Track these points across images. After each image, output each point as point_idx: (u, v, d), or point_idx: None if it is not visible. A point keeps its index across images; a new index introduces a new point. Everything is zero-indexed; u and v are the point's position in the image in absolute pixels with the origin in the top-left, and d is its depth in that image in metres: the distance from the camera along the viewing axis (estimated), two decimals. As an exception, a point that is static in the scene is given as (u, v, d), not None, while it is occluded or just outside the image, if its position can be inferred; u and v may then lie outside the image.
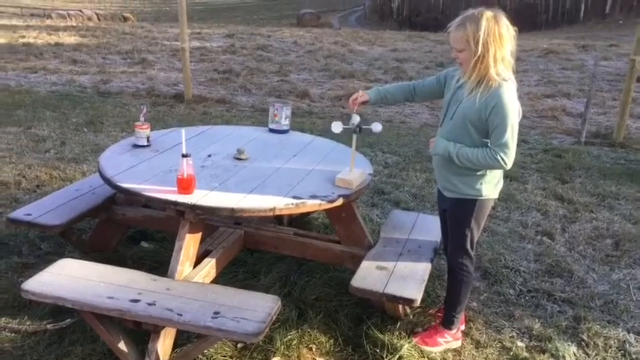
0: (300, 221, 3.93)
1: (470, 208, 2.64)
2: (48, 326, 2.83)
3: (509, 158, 2.44)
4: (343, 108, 8.07)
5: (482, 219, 2.71)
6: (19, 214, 3.02)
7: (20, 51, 11.70)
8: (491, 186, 2.63)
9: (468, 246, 2.73)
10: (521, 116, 2.45)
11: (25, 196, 4.40)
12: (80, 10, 19.83)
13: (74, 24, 17.66)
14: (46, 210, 3.06)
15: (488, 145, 2.48)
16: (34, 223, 2.96)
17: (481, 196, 2.62)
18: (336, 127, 2.80)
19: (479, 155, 2.47)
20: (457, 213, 2.71)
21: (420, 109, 8.21)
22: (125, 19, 21.40)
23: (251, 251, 3.49)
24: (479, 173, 2.58)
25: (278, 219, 3.66)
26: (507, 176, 5.34)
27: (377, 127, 2.81)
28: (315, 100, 8.56)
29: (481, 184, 2.60)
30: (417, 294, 2.55)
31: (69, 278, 2.45)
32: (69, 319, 2.85)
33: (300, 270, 3.44)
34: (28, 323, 2.87)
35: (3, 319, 2.89)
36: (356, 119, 2.80)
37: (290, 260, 3.46)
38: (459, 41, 2.42)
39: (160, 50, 12.73)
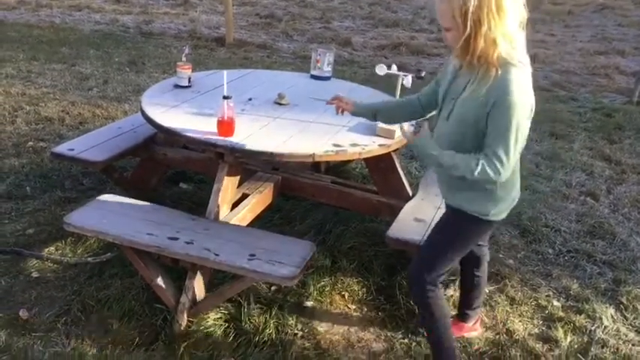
0: (337, 170, 3.91)
1: (466, 224, 2.13)
2: (89, 259, 2.92)
3: (506, 169, 1.88)
4: (386, 58, 7.89)
5: (473, 241, 2.21)
6: (62, 148, 3.07)
7: (65, -11, 11.72)
8: (504, 206, 2.10)
9: (439, 267, 2.19)
10: (533, 112, 1.87)
11: (69, 132, 4.48)
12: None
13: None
14: (89, 146, 3.10)
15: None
16: (76, 158, 3.00)
17: (487, 215, 2.08)
18: (381, 69, 2.72)
19: (463, 161, 1.91)
20: (448, 221, 2.23)
21: (466, 62, 7.95)
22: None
23: (287, 197, 3.49)
24: (488, 187, 2.02)
25: (315, 167, 3.64)
26: (553, 134, 5.19)
27: (408, 80, 2.73)
28: (358, 49, 8.38)
29: (490, 202, 2.06)
30: (454, 248, 2.51)
31: (110, 213, 2.50)
32: (109, 254, 2.93)
33: (335, 219, 3.43)
34: (69, 255, 2.96)
35: (46, 250, 2.99)
36: (394, 69, 2.73)
37: (326, 208, 3.46)
38: (444, 17, 1.81)
39: (203, -8, 12.57)
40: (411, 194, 3.02)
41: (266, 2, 11.79)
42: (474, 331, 2.68)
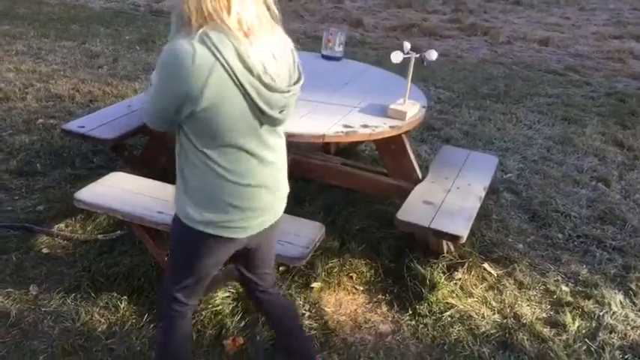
0: (347, 152, 3.89)
1: (175, 226, 1.77)
2: (99, 236, 2.93)
3: (147, 113, 1.61)
4: (397, 39, 7.81)
5: (194, 256, 1.76)
6: (72, 125, 3.08)
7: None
8: (211, 213, 1.65)
9: (176, 278, 1.83)
10: (192, 95, 1.46)
11: (79, 109, 4.48)
12: None
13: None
14: (99, 123, 3.11)
15: None
16: (87, 135, 3.01)
17: (187, 218, 1.67)
18: (396, 56, 2.68)
19: None
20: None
21: (479, 44, 7.87)
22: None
23: (297, 178, 3.48)
24: (183, 175, 1.66)
25: (325, 148, 3.63)
26: (566, 119, 5.14)
27: (432, 54, 2.68)
28: (369, 30, 8.30)
29: (185, 199, 1.67)
30: (463, 231, 2.50)
31: (120, 191, 2.50)
32: (119, 231, 2.95)
33: (344, 200, 3.42)
34: (79, 232, 2.98)
35: (56, 226, 3.01)
36: (406, 47, 2.69)
37: (335, 190, 3.45)
38: None
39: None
40: (420, 177, 3.01)
41: (277, -19, 11.68)
42: None
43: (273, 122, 1.64)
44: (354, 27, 8.31)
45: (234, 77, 1.47)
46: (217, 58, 1.44)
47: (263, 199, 1.73)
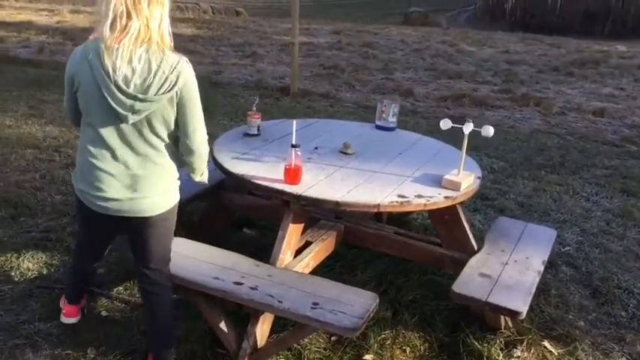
0: (399, 221, 3.89)
1: None
2: (155, 300, 2.99)
3: (66, 115, 2.39)
4: (448, 109, 7.89)
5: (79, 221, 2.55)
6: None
7: (142, 40, 12.42)
8: (77, 175, 2.30)
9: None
10: (75, 83, 2.16)
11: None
12: (197, 4, 20.78)
13: (191, 16, 18.53)
14: (161, 190, 3.22)
15: None
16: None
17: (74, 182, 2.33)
18: (445, 124, 2.72)
19: None
20: None
21: (531, 114, 7.84)
22: (238, 13, 22.16)
23: (349, 246, 3.49)
24: None
25: (377, 216, 3.64)
26: (625, 191, 5.00)
27: (488, 130, 2.70)
28: (420, 100, 8.42)
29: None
30: (522, 306, 2.43)
31: (179, 256, 2.57)
32: (174, 295, 2.99)
33: (397, 269, 3.40)
34: (137, 296, 3.05)
35: (115, 289, 3.09)
36: (469, 127, 2.72)
37: (387, 259, 3.43)
38: None
39: (270, 44, 13.05)
40: (476, 248, 2.97)
41: (330, 54, 12.11)
42: None
43: (126, 119, 2.09)
44: (405, 97, 8.46)
45: (94, 70, 2.05)
46: (87, 56, 2.06)
47: (113, 187, 2.19)
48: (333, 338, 2.81)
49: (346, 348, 2.74)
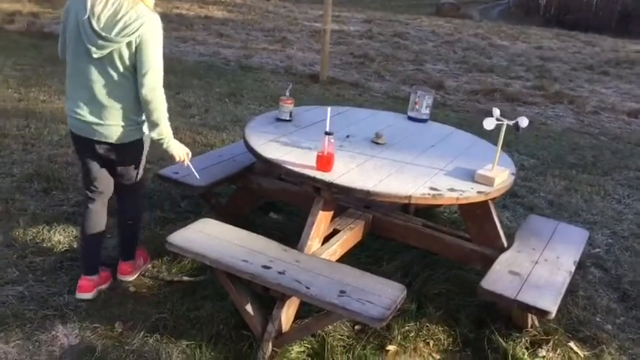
0: (426, 213, 3.86)
1: None
2: (184, 278, 3.02)
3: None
4: (479, 103, 7.79)
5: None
6: (167, 171, 3.24)
7: (173, 20, 12.49)
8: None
9: None
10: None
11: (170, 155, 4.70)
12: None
13: (222, -1, 18.57)
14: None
15: None
16: (180, 181, 3.15)
17: None
18: (489, 123, 2.67)
19: None
20: None
21: (564, 112, 7.71)
22: (269, -3, 22.10)
23: (375, 236, 3.48)
24: None
25: (404, 208, 3.62)
26: (658, 194, 4.89)
27: (523, 121, 2.66)
28: (450, 93, 8.34)
29: None
30: (552, 306, 2.40)
31: (209, 237, 2.59)
32: (201, 276, 3.03)
33: (423, 262, 3.38)
34: (165, 273, 3.08)
35: (144, 266, 3.13)
36: (496, 113, 2.68)
37: (413, 251, 3.41)
38: None
39: (300, 30, 13.02)
40: (505, 245, 2.93)
41: (360, 42, 12.03)
42: None
43: (89, 52, 2.45)
44: (435, 89, 8.37)
45: (78, 6, 2.45)
46: None
47: (85, 112, 2.58)
48: (356, 327, 2.81)
49: (370, 337, 2.74)
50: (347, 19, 15.62)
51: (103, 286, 2.93)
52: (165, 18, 12.63)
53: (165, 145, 2.68)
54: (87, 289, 2.85)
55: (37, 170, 4.19)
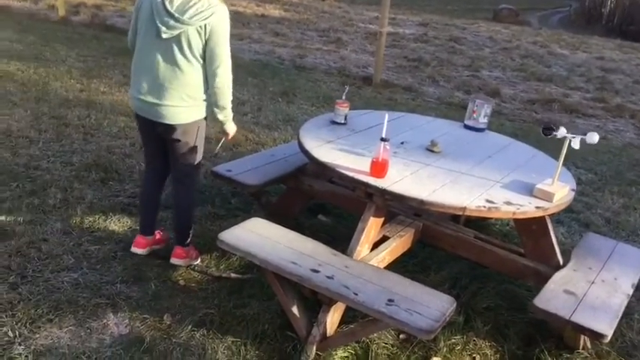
0: (477, 224, 3.78)
1: None
2: (232, 274, 3.06)
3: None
4: (536, 113, 7.59)
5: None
6: (221, 169, 3.28)
7: (230, 18, 12.65)
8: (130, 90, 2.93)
9: None
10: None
11: (223, 152, 4.78)
12: (286, -14, 20.92)
13: (279, -2, 18.72)
14: (245, 169, 3.28)
15: None
16: (233, 179, 3.19)
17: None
18: (592, 137, 2.56)
19: None
20: None
21: (625, 126, 7.42)
22: (324, -3, 22.17)
23: (423, 244, 3.43)
24: None
25: (455, 217, 3.55)
26: None
27: (594, 137, 2.56)
28: (506, 101, 8.15)
29: None
30: (608, 329, 2.31)
31: (259, 237, 2.60)
32: (249, 274, 3.06)
33: (472, 274, 3.31)
34: (213, 268, 3.12)
35: (194, 260, 3.18)
36: (562, 132, 2.59)
37: (462, 262, 3.35)
38: None
39: (355, 32, 12.99)
40: (561, 262, 2.84)
41: (414, 46, 11.91)
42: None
43: (159, 32, 2.63)
44: (491, 96, 8.20)
45: None
46: None
47: (145, 92, 2.76)
48: (401, 336, 2.77)
49: (414, 348, 2.71)
50: (402, 22, 15.50)
51: (157, 246, 3.23)
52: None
53: (225, 126, 2.96)
54: (140, 246, 3.17)
55: (95, 160, 4.32)
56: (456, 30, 14.91)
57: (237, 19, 12.77)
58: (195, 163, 2.97)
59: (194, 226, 3.16)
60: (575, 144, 2.58)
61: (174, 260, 3.11)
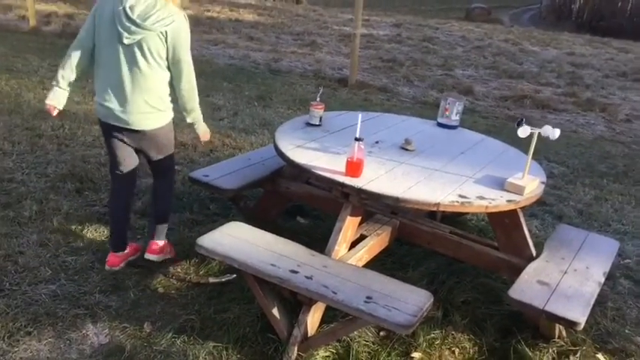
0: (453, 220, 3.84)
1: None
2: (210, 279, 3.06)
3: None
4: (509, 110, 7.71)
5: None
6: (198, 174, 3.29)
7: (204, 23, 12.64)
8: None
9: None
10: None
11: (200, 158, 4.78)
12: (259, -10, 20.96)
13: (253, 2, 18.71)
14: (222, 174, 3.30)
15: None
16: (210, 184, 3.20)
17: None
18: (524, 131, 2.64)
19: None
20: None
21: (595, 120, 7.59)
22: (298, 1, 22.23)
23: (400, 242, 3.48)
24: None
25: (431, 214, 3.61)
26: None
27: (555, 132, 2.63)
28: (479, 98, 8.27)
29: None
30: (581, 317, 2.37)
31: (237, 240, 2.62)
32: (228, 275, 3.07)
33: (449, 269, 3.36)
34: (192, 275, 3.13)
35: (171, 267, 3.18)
36: (526, 129, 2.65)
37: (439, 258, 3.40)
38: None
39: (329, 34, 13.06)
40: (534, 254, 2.90)
41: (389, 47, 12.01)
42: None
43: (121, 37, 2.68)
44: (464, 94, 8.32)
45: (112, 2, 2.70)
46: None
47: (111, 99, 2.80)
48: (382, 333, 2.81)
49: (395, 344, 2.74)
50: (376, 23, 15.61)
51: (132, 257, 3.20)
52: (196, 21, 12.89)
53: (196, 127, 3.06)
54: (115, 264, 3.13)
55: (70, 170, 4.29)
56: (429, 30, 15.07)
57: (211, 24, 12.76)
58: (170, 153, 3.07)
59: (169, 233, 3.17)
60: (553, 135, 2.64)
61: (148, 256, 3.16)
